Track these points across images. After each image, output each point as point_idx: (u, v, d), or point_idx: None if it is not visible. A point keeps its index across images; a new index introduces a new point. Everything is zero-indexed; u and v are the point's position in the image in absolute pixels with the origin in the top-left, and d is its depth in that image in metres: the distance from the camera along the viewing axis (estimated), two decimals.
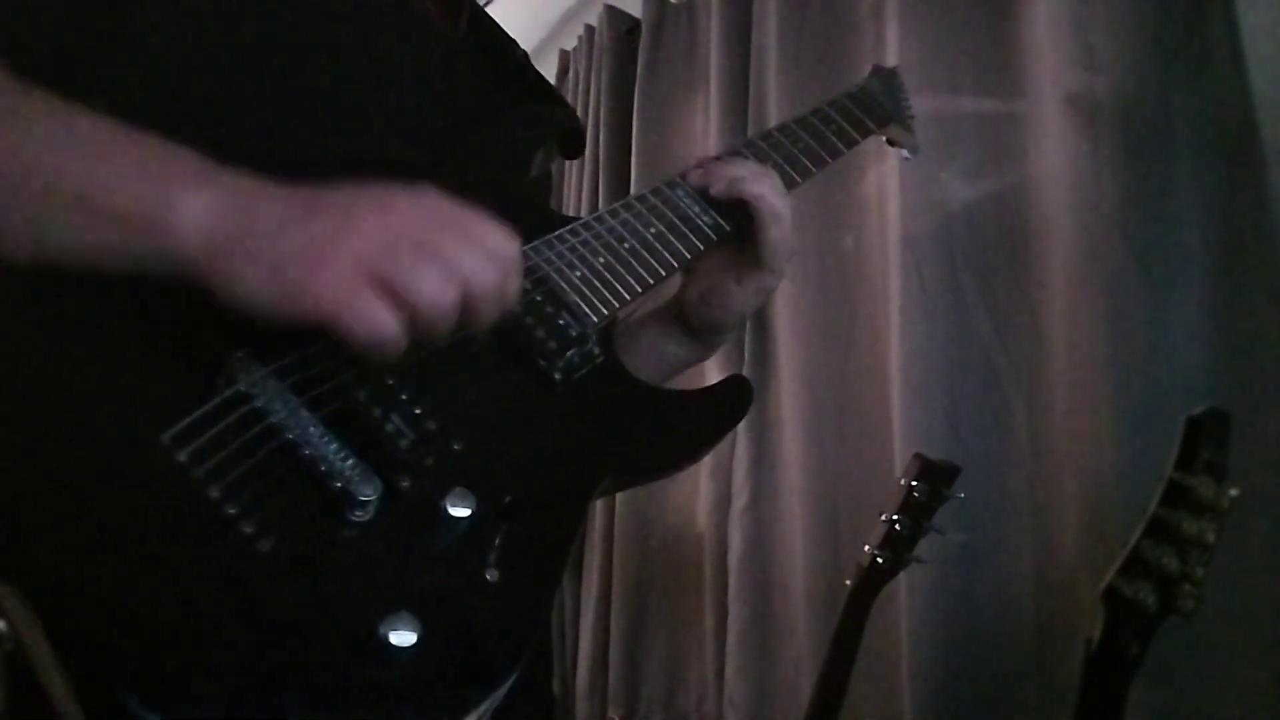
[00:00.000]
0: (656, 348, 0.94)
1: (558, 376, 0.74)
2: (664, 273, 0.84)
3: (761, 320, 2.12)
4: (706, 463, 2.15)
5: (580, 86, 3.02)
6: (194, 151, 0.59)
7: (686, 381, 0.95)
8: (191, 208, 0.56)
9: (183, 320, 0.58)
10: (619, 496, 2.40)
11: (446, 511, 0.59)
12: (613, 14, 2.90)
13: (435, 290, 0.57)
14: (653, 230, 0.85)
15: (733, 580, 2.05)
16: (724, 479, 2.16)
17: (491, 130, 0.87)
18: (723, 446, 2.10)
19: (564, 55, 3.20)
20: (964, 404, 1.67)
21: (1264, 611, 1.27)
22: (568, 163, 2.91)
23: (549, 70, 3.20)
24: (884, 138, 1.14)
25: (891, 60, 1.82)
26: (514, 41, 1.02)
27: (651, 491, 2.32)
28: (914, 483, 1.39)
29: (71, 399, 0.54)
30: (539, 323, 0.74)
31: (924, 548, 1.40)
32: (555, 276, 0.77)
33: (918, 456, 1.42)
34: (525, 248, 0.77)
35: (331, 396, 0.60)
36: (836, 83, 1.99)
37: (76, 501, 0.51)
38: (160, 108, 0.61)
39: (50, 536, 0.49)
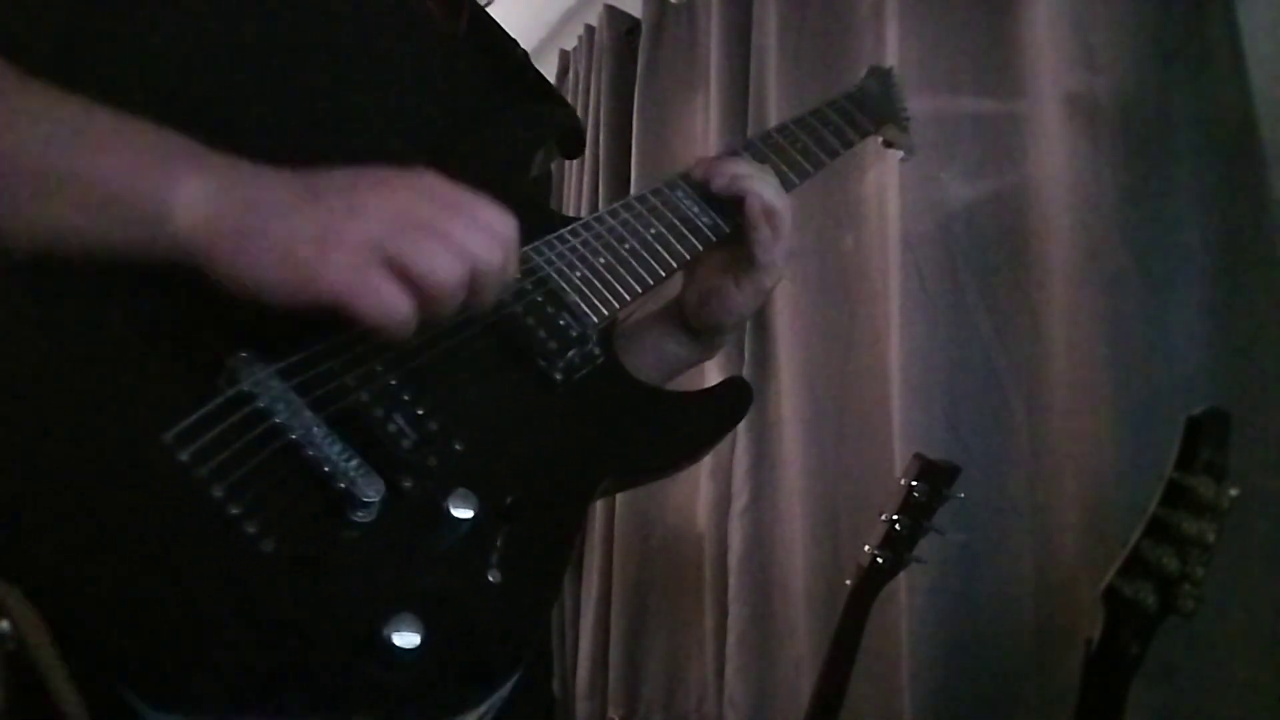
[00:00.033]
0: (658, 348, 0.95)
1: (558, 377, 0.74)
2: (664, 273, 0.85)
3: (761, 320, 2.12)
4: (706, 463, 2.15)
5: (580, 86, 3.02)
6: (186, 137, 0.59)
7: (686, 383, 0.96)
8: (189, 192, 0.56)
9: (185, 320, 0.58)
10: (619, 496, 2.40)
11: (449, 512, 0.59)
12: (613, 14, 2.91)
13: (444, 268, 0.58)
14: (653, 231, 0.86)
15: (733, 580, 2.05)
16: (724, 479, 2.16)
17: (492, 130, 0.87)
18: (723, 446, 2.10)
19: (564, 55, 3.20)
20: (964, 404, 1.67)
21: (1264, 611, 1.28)
22: (568, 162, 2.91)
23: (549, 70, 3.20)
24: (880, 139, 1.15)
25: (891, 60, 1.82)
26: (514, 41, 1.02)
27: (651, 491, 2.32)
28: (914, 483, 1.39)
29: (75, 399, 0.54)
30: (540, 323, 0.74)
31: (924, 548, 1.40)
32: (556, 277, 0.77)
33: (918, 456, 1.42)
34: (526, 248, 0.77)
35: (334, 397, 0.60)
36: (836, 83, 1.99)
37: (79, 501, 0.51)
38: (160, 107, 0.61)
39: (53, 536, 0.49)
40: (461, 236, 0.60)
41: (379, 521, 0.57)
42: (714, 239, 0.89)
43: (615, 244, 0.83)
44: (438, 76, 0.88)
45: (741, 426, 2.03)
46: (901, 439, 1.70)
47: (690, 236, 0.88)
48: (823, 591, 1.84)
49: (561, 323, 0.75)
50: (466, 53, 0.94)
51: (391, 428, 0.61)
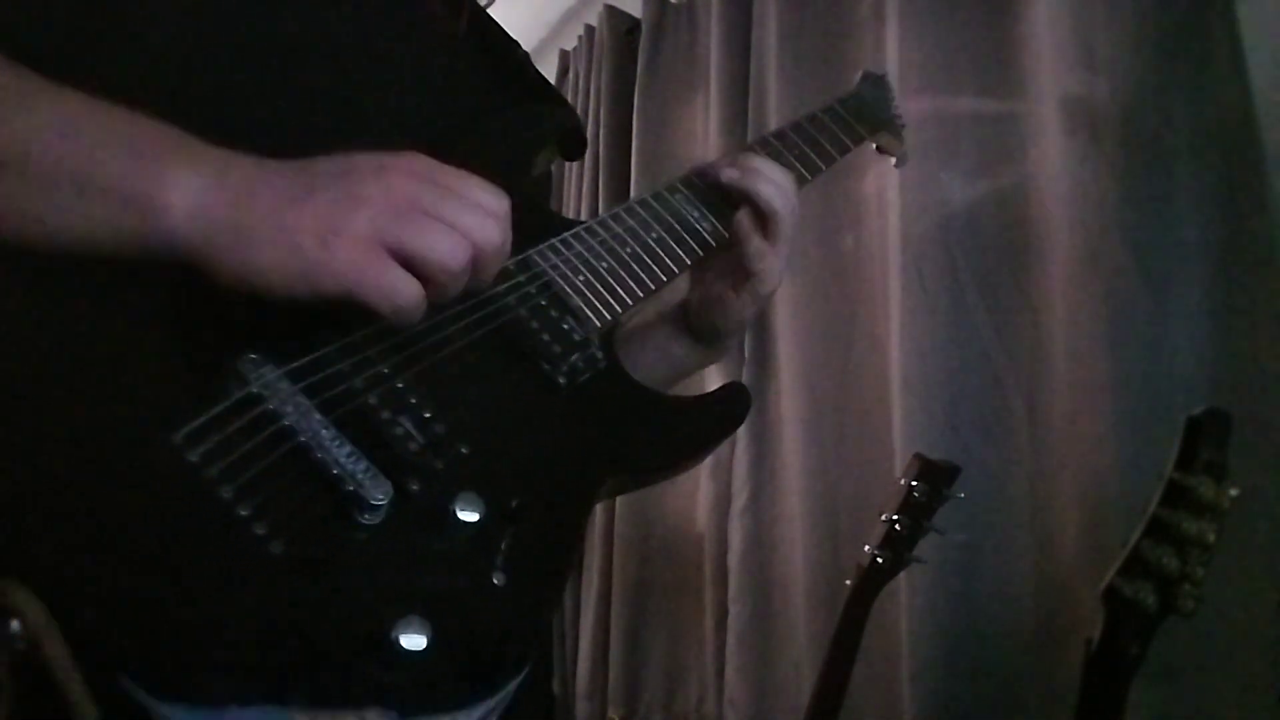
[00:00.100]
0: (664, 351, 0.96)
1: (562, 380, 0.74)
2: (665, 278, 0.85)
3: (761, 320, 2.12)
4: (706, 463, 2.15)
5: (580, 86, 3.02)
6: (181, 130, 0.58)
7: (686, 386, 0.96)
8: (183, 188, 0.56)
9: (194, 322, 0.58)
10: (619, 496, 2.40)
11: (455, 515, 0.60)
12: (613, 14, 2.91)
13: (449, 252, 0.59)
14: (654, 235, 0.86)
15: (733, 580, 2.06)
16: (724, 479, 2.16)
17: (493, 130, 0.88)
18: (722, 447, 2.10)
19: (564, 55, 3.20)
20: (964, 404, 1.67)
21: (1264, 611, 1.28)
22: (568, 162, 2.91)
23: (549, 70, 3.20)
24: (875, 146, 1.15)
25: (892, 60, 1.83)
26: (515, 42, 1.02)
27: (651, 491, 2.32)
28: (914, 483, 1.39)
29: (85, 398, 0.54)
30: (543, 327, 0.74)
31: (924, 548, 1.41)
32: (560, 281, 0.78)
33: (918, 456, 1.42)
34: (530, 252, 0.78)
35: (343, 400, 0.60)
36: (836, 83, 1.99)
37: (90, 501, 0.51)
38: (159, 107, 0.61)
39: (64, 536, 0.49)
40: (461, 218, 0.60)
41: (386, 524, 0.57)
42: (714, 244, 0.90)
43: (617, 248, 0.83)
44: (438, 76, 0.88)
45: (741, 427, 2.03)
46: (901, 439, 1.70)
47: (690, 241, 0.88)
48: (823, 591, 1.84)
49: (565, 326, 0.75)
50: (467, 52, 0.94)
51: (399, 430, 0.61)
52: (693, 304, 0.95)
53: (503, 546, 0.62)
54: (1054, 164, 1.61)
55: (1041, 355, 1.61)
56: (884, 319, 1.86)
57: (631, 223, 0.86)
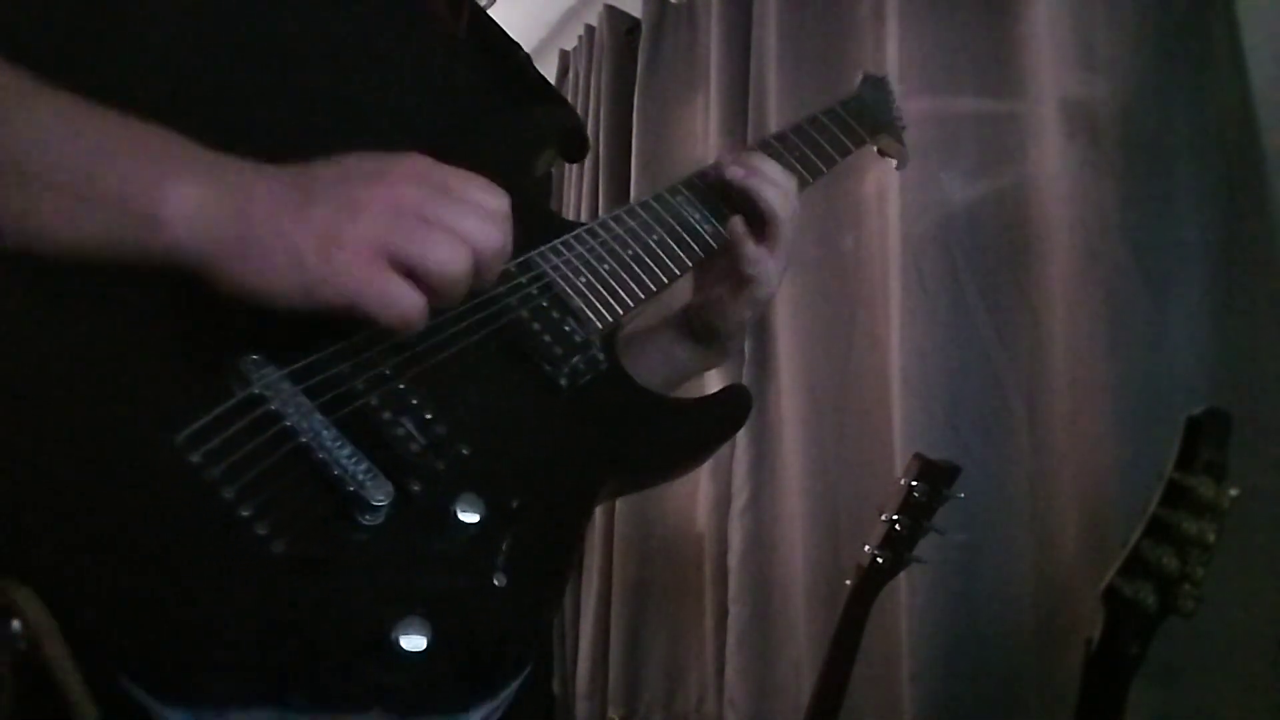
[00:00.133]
0: (667, 353, 0.96)
1: (563, 382, 0.74)
2: (666, 280, 0.85)
3: (761, 320, 2.12)
4: (706, 463, 2.15)
5: (580, 86, 3.02)
6: (180, 136, 0.58)
7: (685, 388, 0.97)
8: (182, 202, 0.55)
9: (196, 322, 0.58)
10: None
11: (456, 516, 0.60)
12: (613, 14, 2.91)
13: (450, 259, 0.59)
14: (655, 237, 0.86)
15: (733, 580, 2.06)
16: (724, 479, 2.16)
17: (494, 131, 0.88)
18: (722, 447, 2.10)
19: (564, 55, 3.20)
20: (964, 404, 1.67)
21: (1264, 611, 1.28)
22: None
23: (549, 70, 3.20)
24: (876, 148, 1.15)
25: (891, 60, 1.83)
26: (516, 44, 1.02)
27: (651, 492, 2.31)
28: (914, 483, 1.39)
29: (87, 399, 0.54)
30: (545, 328, 0.74)
31: (924, 548, 1.41)
32: (561, 282, 0.78)
33: (918, 456, 1.42)
34: (531, 253, 0.78)
35: (344, 400, 0.61)
36: (836, 83, 1.99)
37: (92, 501, 0.51)
38: (159, 107, 0.60)
39: (65, 536, 0.49)
40: (461, 223, 0.60)
41: (387, 524, 0.57)
42: (715, 246, 0.90)
43: (619, 250, 0.83)
44: (438, 76, 0.88)
45: None
46: (901, 439, 1.70)
47: (692, 243, 0.88)
48: (823, 591, 1.84)
49: (566, 328, 0.75)
50: (467, 53, 0.94)
51: (400, 431, 0.61)
52: (694, 307, 0.95)
53: (503, 547, 0.62)
54: (1054, 164, 1.61)
55: (1041, 355, 1.61)
56: (884, 319, 1.86)
57: (633, 224, 0.86)
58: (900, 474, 1.45)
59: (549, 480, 0.71)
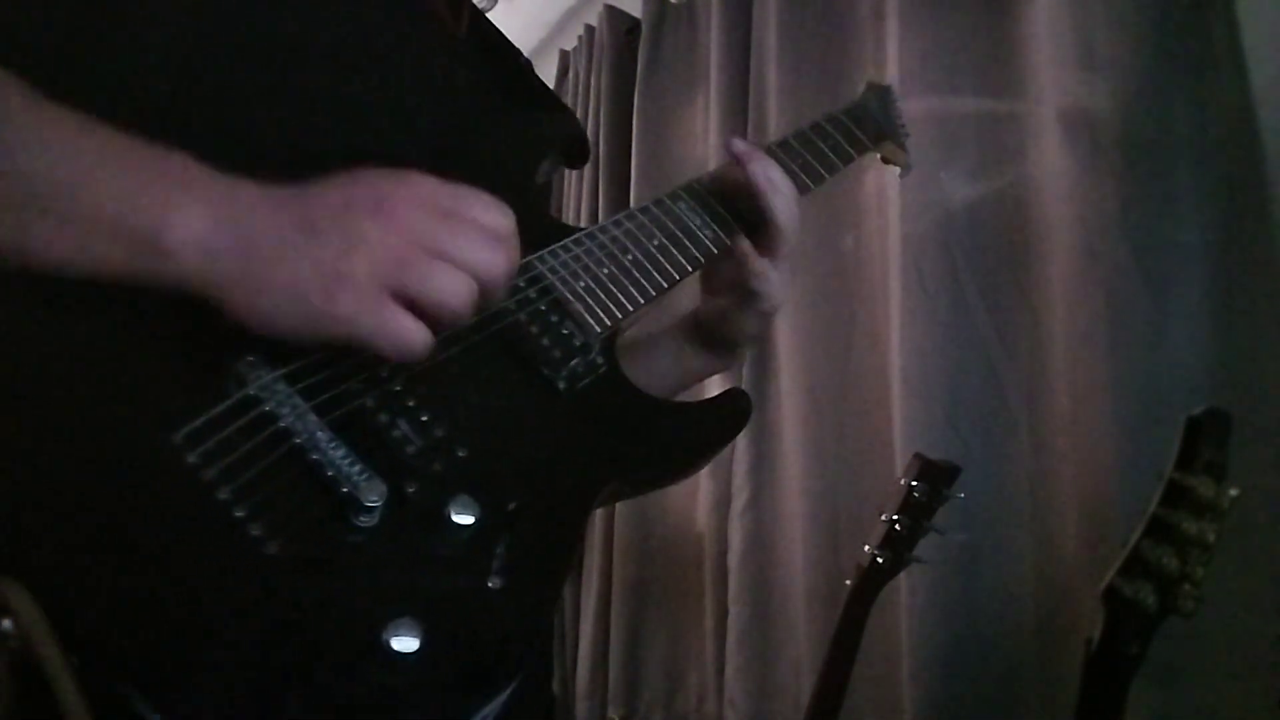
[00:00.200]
0: (677, 358, 0.97)
1: (561, 385, 0.74)
2: (666, 284, 0.85)
3: None
4: None
5: (580, 86, 3.02)
6: (184, 157, 0.58)
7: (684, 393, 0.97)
8: (185, 230, 0.55)
9: (193, 324, 0.58)
10: None
11: (451, 518, 0.60)
12: (613, 14, 2.91)
13: (452, 290, 0.59)
14: (655, 242, 0.86)
15: (733, 580, 2.05)
16: (724, 479, 2.16)
17: (496, 139, 0.87)
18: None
19: (564, 55, 3.20)
20: (964, 404, 1.67)
21: (1264, 611, 1.28)
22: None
23: (549, 70, 3.20)
24: (879, 156, 1.15)
25: (892, 60, 1.83)
26: (517, 49, 1.02)
27: (652, 493, 2.32)
28: (914, 483, 1.39)
29: (83, 399, 0.54)
30: (544, 331, 0.74)
31: (924, 548, 1.40)
32: (560, 286, 0.78)
33: (918, 456, 1.42)
34: (531, 257, 0.78)
35: (340, 402, 0.61)
36: (837, 83, 2.00)
37: (86, 500, 0.51)
38: (160, 107, 0.60)
39: (60, 535, 0.49)
40: (463, 250, 0.60)
41: (382, 526, 0.57)
42: (715, 251, 0.90)
43: (618, 254, 0.83)
44: (439, 76, 0.88)
45: None
46: (901, 439, 1.70)
47: (692, 248, 0.88)
48: (823, 591, 1.84)
49: (565, 331, 0.75)
50: (468, 53, 0.94)
51: (396, 433, 0.61)
52: (702, 315, 0.96)
53: (499, 550, 0.62)
54: (1054, 164, 1.61)
55: (1041, 355, 1.61)
56: (884, 319, 1.86)
57: (633, 229, 0.86)
58: (900, 474, 1.44)
59: (546, 483, 0.70)
